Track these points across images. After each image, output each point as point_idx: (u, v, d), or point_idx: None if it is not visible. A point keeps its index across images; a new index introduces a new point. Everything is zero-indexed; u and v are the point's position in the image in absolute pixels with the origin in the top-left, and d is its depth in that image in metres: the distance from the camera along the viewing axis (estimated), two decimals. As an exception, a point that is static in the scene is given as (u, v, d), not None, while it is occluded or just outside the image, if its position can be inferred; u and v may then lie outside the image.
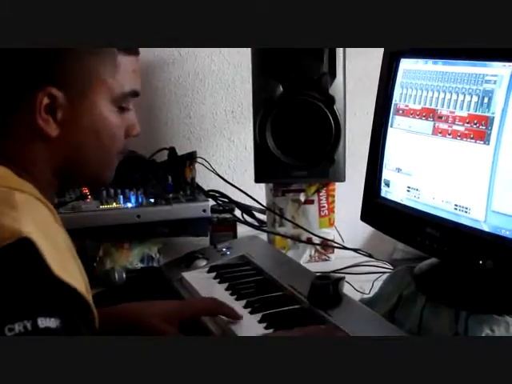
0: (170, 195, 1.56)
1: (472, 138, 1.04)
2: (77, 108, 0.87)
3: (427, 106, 1.15)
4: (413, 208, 1.18)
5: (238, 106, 1.94)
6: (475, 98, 1.04)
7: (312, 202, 1.64)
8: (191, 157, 1.68)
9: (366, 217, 1.32)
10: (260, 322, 1.11)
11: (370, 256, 1.62)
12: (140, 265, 1.53)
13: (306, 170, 1.57)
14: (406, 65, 1.22)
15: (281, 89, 1.54)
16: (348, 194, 1.61)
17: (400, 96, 1.22)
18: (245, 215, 1.79)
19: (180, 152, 1.70)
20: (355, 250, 1.65)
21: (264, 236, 1.69)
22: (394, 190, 1.24)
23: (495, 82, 1.01)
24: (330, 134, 1.54)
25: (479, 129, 1.03)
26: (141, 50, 0.98)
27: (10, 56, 0.84)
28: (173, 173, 1.62)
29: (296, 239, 1.65)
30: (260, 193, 1.72)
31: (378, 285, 1.32)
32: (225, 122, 1.94)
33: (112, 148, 0.93)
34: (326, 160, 1.56)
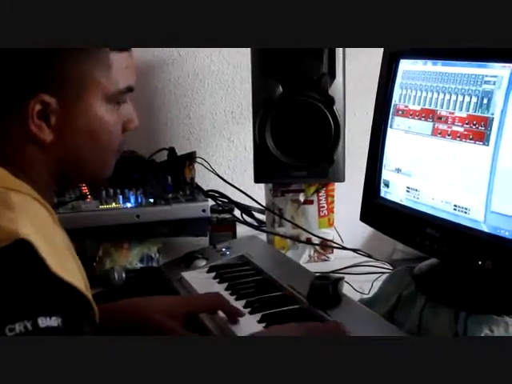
0: (170, 195, 1.56)
1: (471, 139, 1.04)
2: (71, 111, 0.86)
3: (427, 106, 1.15)
4: (412, 208, 1.18)
5: (237, 106, 1.94)
6: (474, 99, 1.04)
7: (311, 202, 1.64)
8: (191, 157, 1.68)
9: (365, 217, 1.32)
10: (259, 321, 1.11)
11: (369, 256, 1.62)
12: (139, 265, 1.53)
13: (305, 170, 1.58)
14: (406, 65, 1.22)
15: (280, 89, 1.54)
16: (347, 194, 1.61)
17: (399, 97, 1.22)
18: (244, 215, 1.79)
19: (179, 152, 1.70)
20: (355, 251, 1.65)
21: (263, 236, 1.69)
22: (394, 191, 1.24)
23: (494, 83, 1.01)
24: (330, 134, 1.54)
25: (478, 129, 1.03)
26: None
27: (0, 63, 0.83)
28: (172, 173, 1.62)
29: (295, 239, 1.65)
30: (259, 193, 1.73)
31: (377, 285, 1.32)
32: (224, 123, 1.95)
33: (110, 146, 0.92)
34: (326, 160, 1.56)
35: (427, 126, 1.14)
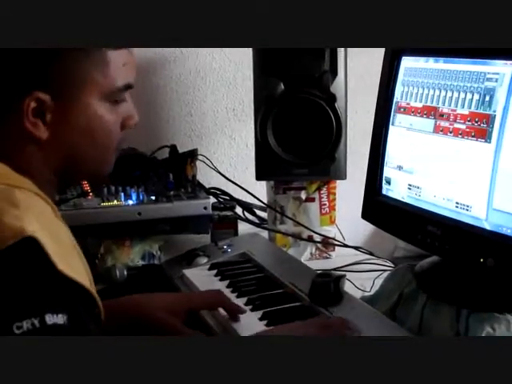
0: (171, 193, 1.56)
1: (473, 136, 1.04)
2: (67, 109, 0.86)
3: (428, 103, 1.15)
4: (414, 206, 1.18)
5: (239, 103, 1.94)
6: (476, 96, 1.04)
7: (313, 199, 1.64)
8: (192, 154, 1.68)
9: (367, 215, 1.32)
10: (261, 319, 1.11)
11: (370, 254, 1.62)
12: (141, 262, 1.53)
13: (307, 167, 1.58)
14: (408, 63, 1.22)
15: (282, 87, 1.54)
16: (349, 191, 1.61)
17: (401, 94, 1.22)
18: (246, 213, 1.79)
19: (181, 149, 1.70)
20: (356, 248, 1.65)
21: (265, 234, 1.69)
22: (395, 188, 1.24)
23: (496, 80, 1.01)
24: (331, 131, 1.54)
25: (480, 127, 1.03)
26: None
27: None
28: (174, 170, 1.62)
29: (297, 237, 1.65)
30: (261, 190, 1.72)
31: (378, 283, 1.32)
32: (226, 120, 1.94)
33: (109, 144, 0.92)
34: (327, 158, 1.56)
35: (429, 123, 1.14)
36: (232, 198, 1.76)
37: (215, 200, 1.70)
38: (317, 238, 1.65)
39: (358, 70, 1.78)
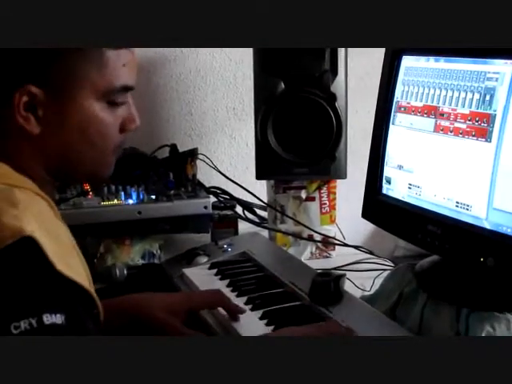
0: (172, 192, 1.56)
1: (474, 136, 1.04)
2: (61, 106, 0.85)
3: (429, 103, 1.15)
4: (414, 205, 1.18)
5: (239, 102, 1.94)
6: (477, 96, 1.04)
7: (313, 199, 1.64)
8: (192, 153, 1.68)
9: (367, 214, 1.32)
10: (261, 318, 1.11)
11: (371, 253, 1.62)
12: (141, 261, 1.53)
13: (307, 167, 1.57)
14: (408, 62, 1.22)
15: (282, 86, 1.54)
16: (349, 191, 1.61)
17: (402, 93, 1.22)
18: (246, 212, 1.79)
19: (181, 149, 1.70)
20: (356, 247, 1.65)
21: (265, 233, 1.69)
22: (396, 187, 1.24)
23: (497, 80, 1.01)
24: (332, 131, 1.54)
25: (481, 126, 1.03)
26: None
27: None
28: (174, 169, 1.62)
29: (297, 236, 1.65)
30: (261, 190, 1.72)
31: (378, 282, 1.32)
32: (226, 119, 1.94)
33: (105, 145, 0.90)
34: (328, 157, 1.56)
35: (429, 122, 1.14)
36: (232, 198, 1.76)
37: (215, 199, 1.70)
38: (317, 237, 1.65)
39: (358, 70, 1.78)
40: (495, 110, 1.00)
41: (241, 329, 1.08)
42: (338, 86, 1.54)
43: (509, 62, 0.99)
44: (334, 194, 1.65)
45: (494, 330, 1.00)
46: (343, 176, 1.59)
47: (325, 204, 1.65)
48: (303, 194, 1.64)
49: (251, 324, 1.09)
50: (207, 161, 1.73)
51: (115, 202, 1.51)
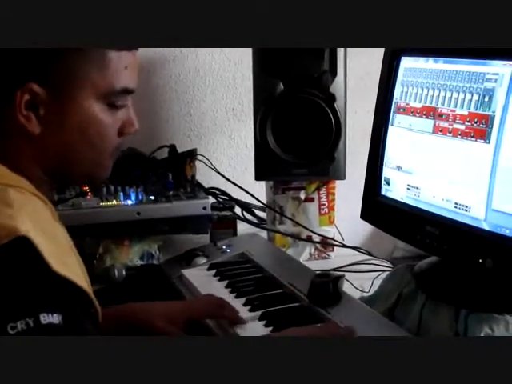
0: (171, 192, 1.56)
1: (472, 137, 1.04)
2: (62, 105, 0.85)
3: (428, 104, 1.15)
4: (413, 206, 1.18)
5: (238, 103, 1.94)
6: (476, 97, 1.04)
7: (312, 199, 1.64)
8: (191, 154, 1.68)
9: (366, 215, 1.32)
10: (260, 319, 1.11)
11: (369, 254, 1.62)
12: (140, 262, 1.53)
13: (306, 167, 1.57)
14: (407, 63, 1.22)
15: (281, 86, 1.54)
16: (348, 192, 1.61)
17: (401, 94, 1.22)
18: (245, 213, 1.79)
19: (180, 149, 1.70)
20: (355, 248, 1.65)
21: (264, 234, 1.69)
22: (395, 189, 1.24)
23: (496, 81, 1.01)
24: (331, 131, 1.54)
25: (480, 127, 1.03)
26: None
27: None
28: (173, 170, 1.62)
29: (296, 237, 1.65)
30: (260, 190, 1.72)
31: (377, 283, 1.32)
32: (225, 120, 1.94)
33: (103, 147, 0.90)
34: (327, 158, 1.56)
35: (428, 123, 1.14)
36: (231, 198, 1.76)
37: (214, 200, 1.70)
38: (316, 238, 1.65)
39: (357, 70, 1.78)
40: (494, 112, 1.00)
41: (240, 330, 1.08)
42: (337, 86, 1.54)
43: (508, 63, 0.99)
44: (333, 194, 1.65)
45: (492, 331, 1.00)
46: (342, 177, 1.59)
47: (324, 205, 1.65)
48: (302, 195, 1.64)
49: (250, 325, 1.09)
50: (206, 161, 1.73)
51: (114, 202, 1.51)
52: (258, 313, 1.12)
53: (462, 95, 1.07)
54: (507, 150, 0.98)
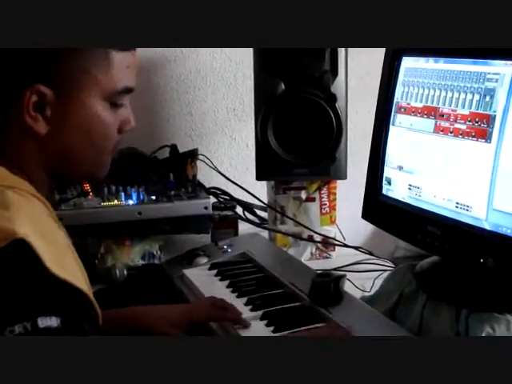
0: (172, 192, 1.56)
1: (474, 137, 1.04)
2: (67, 106, 0.85)
3: (429, 104, 1.15)
4: (414, 206, 1.18)
5: (239, 103, 1.94)
6: (477, 97, 1.04)
7: (313, 199, 1.64)
8: (193, 154, 1.68)
9: (367, 215, 1.32)
10: (261, 319, 1.11)
11: (371, 254, 1.62)
12: (141, 262, 1.53)
13: (307, 167, 1.57)
14: (408, 63, 1.22)
15: (282, 86, 1.54)
16: (349, 191, 1.61)
17: (402, 94, 1.22)
18: (246, 213, 1.79)
19: (181, 149, 1.70)
20: (356, 248, 1.65)
21: (265, 234, 1.69)
22: (396, 188, 1.24)
23: (497, 81, 1.01)
24: (332, 131, 1.54)
25: (481, 127, 1.03)
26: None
27: None
28: (174, 170, 1.62)
29: (297, 237, 1.65)
30: (261, 190, 1.72)
31: (378, 283, 1.32)
32: (226, 120, 1.94)
33: (104, 146, 0.91)
34: (328, 158, 1.56)
35: (429, 123, 1.14)
36: (232, 198, 1.76)
37: (215, 200, 1.70)
38: (317, 237, 1.65)
39: (358, 70, 1.78)
40: (495, 111, 1.00)
41: (241, 330, 1.08)
42: (338, 86, 1.54)
43: (509, 62, 0.99)
44: (334, 194, 1.65)
45: (493, 331, 1.00)
46: (343, 177, 1.59)
47: (325, 205, 1.65)
48: (303, 195, 1.64)
49: (252, 325, 1.09)
50: (207, 161, 1.73)
51: (115, 202, 1.51)
52: (260, 312, 1.13)
53: (463, 95, 1.07)
54: (508, 150, 0.98)
